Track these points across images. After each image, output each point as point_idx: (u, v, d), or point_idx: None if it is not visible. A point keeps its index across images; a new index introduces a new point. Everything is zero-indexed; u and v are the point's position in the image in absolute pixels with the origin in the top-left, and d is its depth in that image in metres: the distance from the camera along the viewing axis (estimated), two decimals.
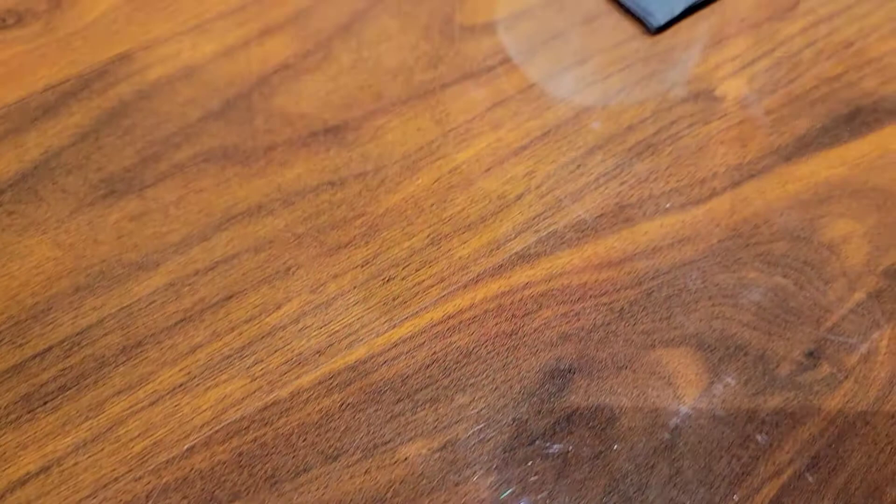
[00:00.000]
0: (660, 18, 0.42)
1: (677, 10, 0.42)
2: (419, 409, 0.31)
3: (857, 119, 0.39)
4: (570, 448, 0.30)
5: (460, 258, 0.35)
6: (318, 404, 0.31)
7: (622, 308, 0.34)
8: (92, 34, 0.41)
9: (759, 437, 0.31)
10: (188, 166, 0.37)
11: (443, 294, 0.34)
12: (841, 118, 0.39)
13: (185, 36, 0.41)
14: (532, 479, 0.30)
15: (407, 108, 0.39)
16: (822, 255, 0.35)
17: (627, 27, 0.43)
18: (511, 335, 0.33)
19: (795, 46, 0.42)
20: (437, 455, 0.30)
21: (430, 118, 0.39)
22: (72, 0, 0.42)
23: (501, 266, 0.34)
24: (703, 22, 0.43)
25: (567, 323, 0.33)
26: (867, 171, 0.38)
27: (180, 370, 0.32)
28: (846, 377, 0.32)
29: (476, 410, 0.31)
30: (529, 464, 0.30)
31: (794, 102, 0.40)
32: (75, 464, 0.30)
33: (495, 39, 0.42)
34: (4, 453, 0.30)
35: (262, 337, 0.33)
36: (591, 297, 0.34)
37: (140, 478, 0.30)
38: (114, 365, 0.32)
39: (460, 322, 0.33)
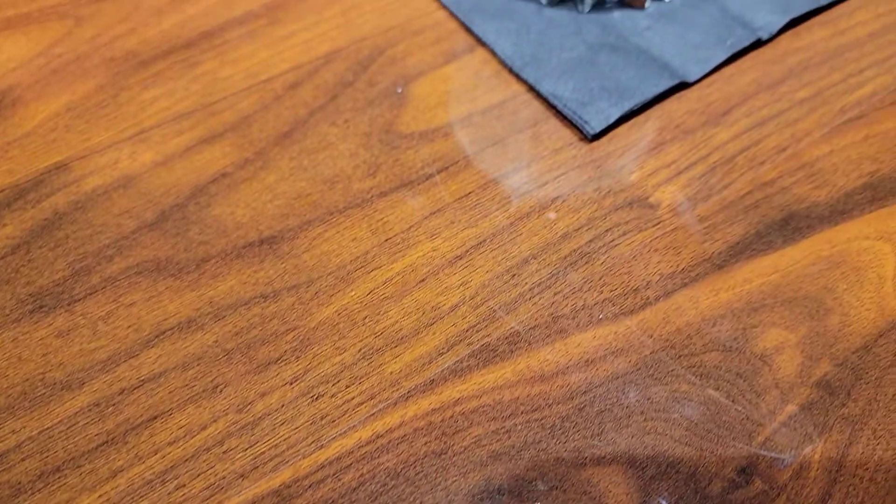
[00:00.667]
0: (595, 126, 0.43)
1: (613, 118, 0.43)
2: None
3: (790, 225, 0.40)
4: None
5: (391, 373, 0.34)
6: None
7: (553, 424, 0.33)
8: (30, 143, 0.41)
9: None
10: (119, 279, 0.37)
11: (372, 412, 0.33)
12: (774, 224, 0.40)
13: (125, 144, 0.41)
14: None
15: (344, 217, 0.39)
16: (754, 366, 0.35)
17: (566, 134, 0.43)
18: (440, 455, 0.32)
19: (729, 152, 0.43)
20: None
21: (366, 228, 0.39)
22: (11, 108, 0.43)
23: (433, 381, 0.34)
24: (639, 128, 0.44)
25: (497, 441, 0.33)
26: (799, 278, 0.38)
27: (99, 497, 0.31)
28: (778, 494, 0.32)
29: None
30: None
31: (728, 208, 0.40)
32: None
33: (434, 147, 0.42)
34: None
35: (186, 460, 0.32)
36: (522, 412, 0.33)
37: None
38: (30, 492, 0.31)
39: (389, 441, 0.33)
